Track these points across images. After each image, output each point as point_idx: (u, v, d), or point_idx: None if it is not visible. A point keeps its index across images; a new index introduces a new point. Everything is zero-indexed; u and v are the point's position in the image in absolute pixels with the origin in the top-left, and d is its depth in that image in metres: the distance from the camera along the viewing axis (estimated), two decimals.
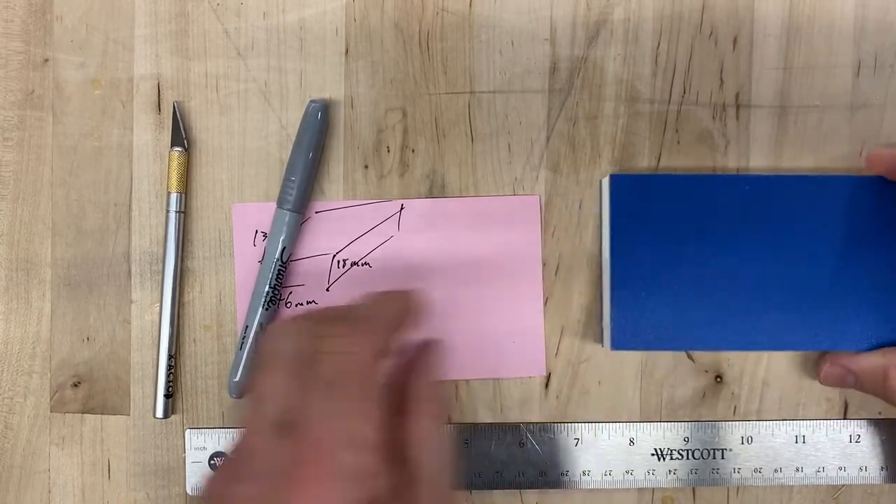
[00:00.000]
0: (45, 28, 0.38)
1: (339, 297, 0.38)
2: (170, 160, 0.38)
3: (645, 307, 0.36)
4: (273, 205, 0.38)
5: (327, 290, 0.38)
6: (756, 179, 0.36)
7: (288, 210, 0.37)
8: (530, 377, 0.39)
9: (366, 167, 0.38)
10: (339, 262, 0.38)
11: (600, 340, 0.38)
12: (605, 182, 0.37)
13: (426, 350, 0.31)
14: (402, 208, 0.38)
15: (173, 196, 0.38)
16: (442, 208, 0.38)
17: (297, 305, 0.38)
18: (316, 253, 0.38)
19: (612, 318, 0.36)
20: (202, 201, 0.39)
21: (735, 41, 0.38)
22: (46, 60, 0.38)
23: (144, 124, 0.38)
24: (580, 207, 0.39)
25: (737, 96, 0.38)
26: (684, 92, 0.38)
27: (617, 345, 0.36)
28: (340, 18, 0.38)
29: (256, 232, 0.38)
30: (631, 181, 0.36)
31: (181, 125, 0.38)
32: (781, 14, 0.38)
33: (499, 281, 0.38)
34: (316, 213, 0.38)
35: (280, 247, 0.37)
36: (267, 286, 0.37)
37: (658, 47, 0.38)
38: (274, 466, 0.25)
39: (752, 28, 0.38)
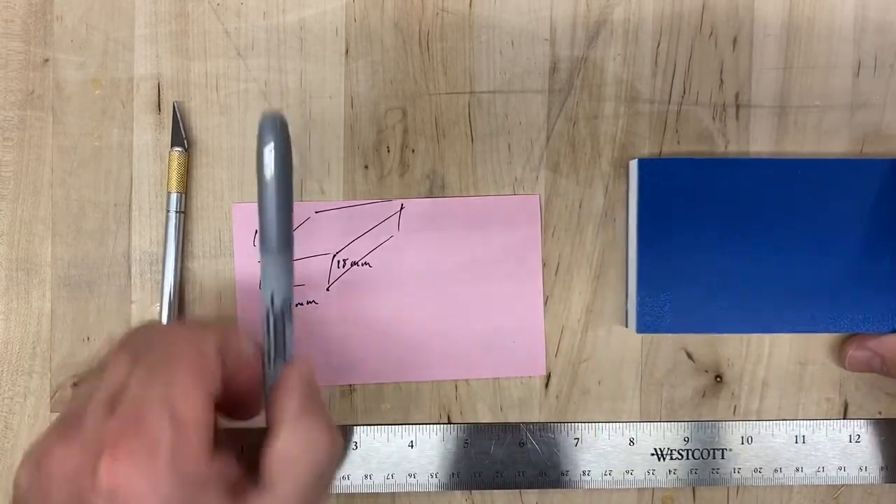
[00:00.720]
0: (45, 28, 0.38)
1: (339, 296, 0.38)
2: (170, 160, 0.38)
3: (671, 290, 0.36)
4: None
5: (327, 289, 0.38)
6: (783, 163, 0.37)
7: (271, 252, 0.31)
8: (530, 377, 0.39)
9: (366, 167, 0.38)
10: (339, 261, 0.38)
11: (624, 323, 0.39)
12: (633, 166, 0.37)
13: (295, 368, 0.31)
14: (402, 208, 0.38)
15: (173, 196, 0.38)
16: (442, 208, 0.38)
17: (297, 305, 0.38)
18: (316, 253, 0.38)
19: (638, 301, 0.37)
20: (202, 201, 0.39)
21: (735, 41, 0.38)
22: (46, 60, 0.38)
23: (144, 124, 0.38)
24: (580, 207, 0.39)
25: (737, 96, 0.38)
26: (684, 92, 0.38)
27: (642, 327, 0.37)
28: (340, 18, 0.38)
29: (256, 231, 0.38)
30: (658, 165, 0.37)
31: (181, 125, 0.38)
32: (781, 14, 0.38)
33: (499, 280, 0.38)
34: (316, 212, 0.38)
35: (268, 294, 0.31)
36: (267, 343, 0.31)
37: (658, 47, 0.38)
38: (95, 436, 0.26)
39: (752, 28, 0.38)
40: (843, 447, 0.39)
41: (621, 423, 0.39)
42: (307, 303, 0.38)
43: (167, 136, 0.38)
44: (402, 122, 0.38)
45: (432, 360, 0.38)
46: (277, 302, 0.31)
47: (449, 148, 0.38)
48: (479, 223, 0.38)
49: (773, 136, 0.38)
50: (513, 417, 0.39)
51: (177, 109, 0.38)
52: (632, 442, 0.39)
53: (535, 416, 0.39)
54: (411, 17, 0.38)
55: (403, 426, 0.39)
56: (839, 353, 0.39)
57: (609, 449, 0.39)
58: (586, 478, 0.39)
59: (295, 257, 0.37)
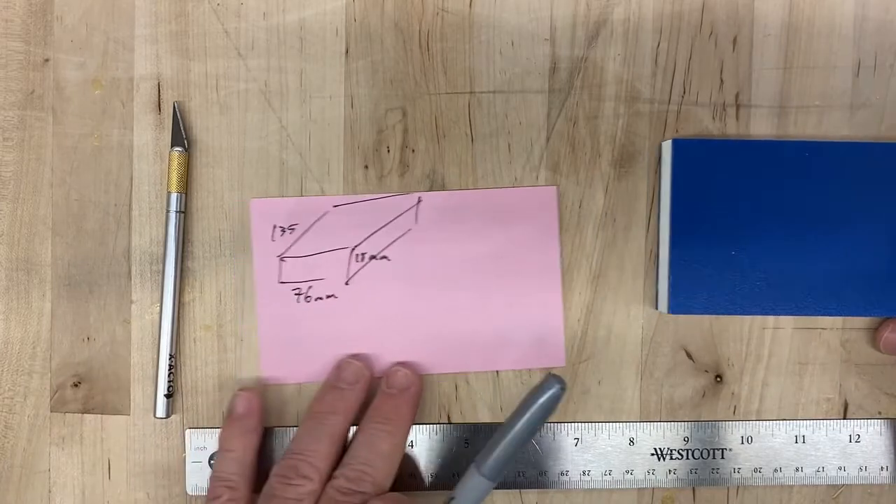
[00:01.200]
0: (46, 28, 0.38)
1: (359, 290, 0.38)
2: (170, 160, 0.38)
3: (703, 271, 0.36)
4: (291, 199, 0.38)
5: (346, 283, 0.38)
6: (817, 146, 0.36)
7: (483, 476, 0.34)
8: (530, 376, 0.39)
9: (366, 167, 0.39)
10: (357, 255, 0.38)
11: (655, 304, 0.39)
12: (667, 146, 0.37)
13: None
14: (419, 201, 0.38)
15: (173, 196, 0.38)
16: (459, 200, 0.38)
17: (316, 300, 0.38)
18: (335, 247, 0.38)
19: (671, 282, 0.36)
20: (202, 201, 0.39)
21: (735, 41, 0.38)
22: (47, 60, 0.38)
23: (144, 124, 0.38)
24: (580, 207, 0.39)
25: (737, 96, 0.38)
26: (684, 92, 0.38)
27: (674, 308, 0.37)
28: (340, 18, 0.38)
29: (275, 227, 0.38)
30: (693, 146, 0.37)
31: (181, 125, 0.38)
32: (781, 14, 0.38)
33: (517, 271, 0.38)
34: (334, 206, 0.38)
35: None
36: None
37: (658, 47, 0.38)
38: None
39: (752, 28, 0.38)
40: (843, 447, 0.39)
41: (621, 423, 0.39)
42: (326, 297, 0.38)
43: (167, 136, 0.38)
44: (402, 122, 0.38)
45: (451, 352, 0.38)
46: None
47: (449, 148, 0.38)
48: (497, 215, 0.38)
49: (773, 136, 0.38)
50: None
51: (177, 109, 0.38)
52: (632, 442, 0.39)
53: None
54: (411, 17, 0.38)
55: None
56: (874, 336, 0.39)
57: (609, 449, 0.39)
58: (586, 478, 0.39)
59: (313, 252, 0.37)
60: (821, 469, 0.39)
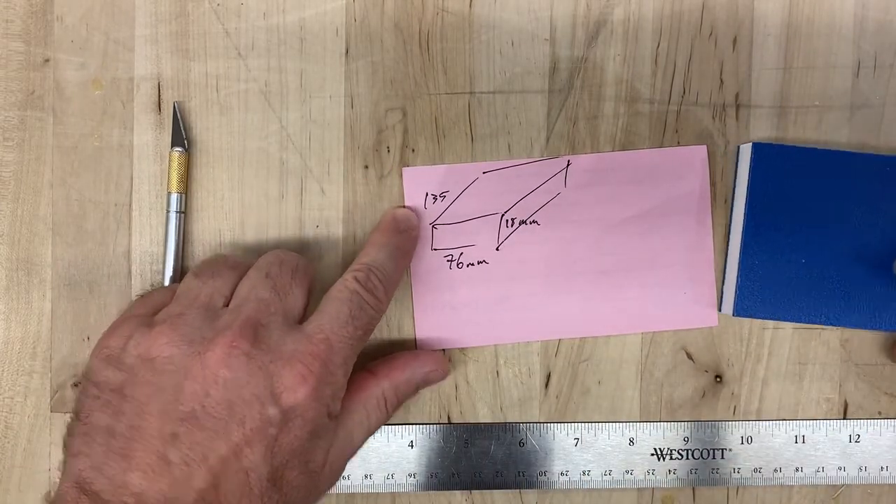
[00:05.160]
0: (46, 28, 0.38)
1: (509, 255, 0.38)
2: (170, 160, 0.38)
3: (772, 276, 0.37)
4: (441, 167, 0.38)
5: (497, 249, 0.38)
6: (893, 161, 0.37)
7: None
8: (529, 376, 0.39)
9: (366, 167, 0.39)
10: (507, 221, 0.38)
11: (719, 306, 0.39)
12: (746, 150, 0.37)
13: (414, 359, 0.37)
14: (568, 164, 0.38)
15: (173, 196, 0.38)
16: (609, 162, 0.38)
17: (468, 266, 0.38)
18: (485, 213, 0.38)
19: (739, 285, 0.37)
20: (202, 201, 0.39)
21: (735, 41, 0.38)
22: (47, 61, 0.38)
23: (145, 124, 0.38)
24: None
25: (737, 96, 0.38)
26: (684, 92, 0.38)
27: (740, 311, 0.37)
28: (340, 18, 0.38)
29: (427, 195, 0.38)
30: (774, 151, 0.37)
31: (181, 125, 0.38)
32: (781, 14, 0.38)
33: (668, 232, 0.38)
34: (483, 173, 0.38)
35: None
36: None
37: (658, 47, 0.38)
38: (203, 326, 0.32)
39: (752, 28, 0.38)
40: (843, 447, 0.39)
41: (621, 423, 0.39)
42: (478, 263, 0.38)
43: (167, 136, 0.38)
44: (402, 122, 0.38)
45: (604, 315, 0.39)
46: None
47: (449, 148, 0.38)
48: (647, 176, 0.38)
49: (772, 136, 0.38)
50: (512, 417, 0.39)
51: (177, 109, 0.38)
52: (631, 442, 0.39)
53: (534, 415, 0.39)
54: (411, 17, 0.38)
55: (403, 426, 0.39)
56: (889, 350, 0.39)
57: (609, 449, 0.39)
58: (586, 478, 0.39)
59: (464, 218, 0.38)
60: (821, 469, 0.39)
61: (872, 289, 0.37)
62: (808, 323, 0.38)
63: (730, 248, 0.38)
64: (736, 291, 0.37)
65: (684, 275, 0.39)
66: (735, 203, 0.38)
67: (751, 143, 0.37)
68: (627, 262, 0.38)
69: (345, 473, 0.38)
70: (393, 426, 0.39)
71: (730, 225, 0.38)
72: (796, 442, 0.39)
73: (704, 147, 0.38)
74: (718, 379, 0.39)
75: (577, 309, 0.39)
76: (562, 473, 0.39)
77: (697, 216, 0.39)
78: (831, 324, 0.37)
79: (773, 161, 0.37)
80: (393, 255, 0.36)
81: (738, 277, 0.37)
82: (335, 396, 0.32)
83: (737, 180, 0.38)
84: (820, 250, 0.37)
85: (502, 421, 0.39)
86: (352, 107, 0.38)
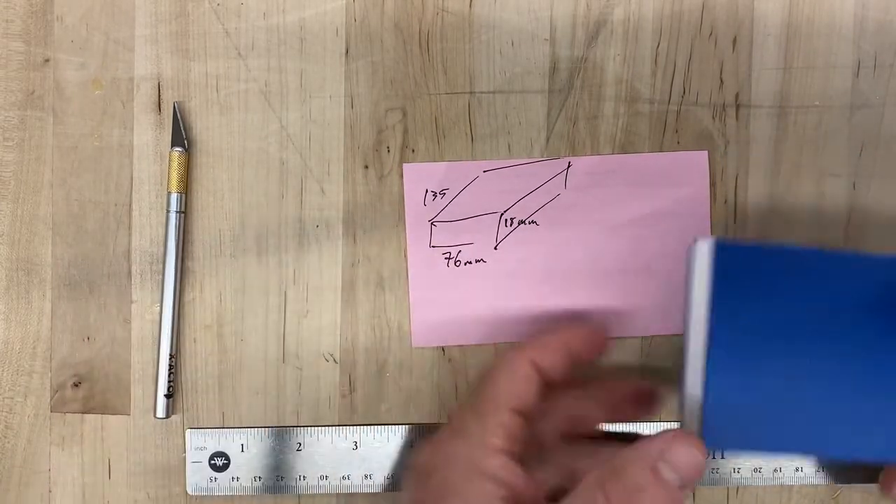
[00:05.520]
0: (46, 28, 0.38)
1: (507, 255, 0.38)
2: (170, 160, 0.38)
3: (746, 399, 0.30)
4: (442, 164, 0.38)
5: (495, 248, 0.38)
6: (882, 262, 0.31)
7: None
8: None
9: (366, 167, 0.39)
10: (506, 220, 0.38)
11: (681, 421, 0.32)
12: (704, 249, 0.31)
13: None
14: (569, 166, 0.38)
15: (173, 196, 0.38)
16: (610, 165, 0.38)
17: (465, 264, 0.38)
18: (484, 211, 0.38)
19: (707, 411, 0.30)
20: (202, 201, 0.39)
21: (735, 41, 0.38)
22: (47, 61, 0.38)
23: (145, 124, 0.38)
24: None
25: (737, 96, 0.38)
26: (684, 92, 0.38)
27: (711, 442, 0.30)
28: (340, 18, 0.38)
29: (427, 191, 0.38)
30: (740, 252, 0.31)
31: (181, 125, 0.38)
32: (781, 14, 0.38)
33: (667, 237, 0.38)
34: (484, 171, 0.38)
35: None
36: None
37: (658, 47, 0.38)
38: None
39: (752, 28, 0.38)
40: None
41: (620, 423, 0.39)
42: (476, 261, 0.38)
43: (167, 136, 0.38)
44: (402, 122, 0.38)
45: (602, 317, 0.39)
46: None
47: (449, 148, 0.38)
48: (647, 180, 0.38)
49: (772, 136, 0.38)
50: None
51: (177, 109, 0.38)
52: None
53: None
54: (411, 17, 0.38)
55: (403, 426, 0.39)
56: (884, 482, 0.35)
57: None
58: None
59: (463, 216, 0.38)
60: (821, 469, 0.39)
61: (868, 411, 0.30)
62: (790, 452, 0.33)
63: (687, 360, 0.31)
64: (705, 418, 0.30)
65: (683, 279, 0.38)
66: (692, 307, 0.31)
67: (709, 242, 0.31)
68: (626, 264, 0.38)
69: (345, 473, 0.39)
70: (393, 426, 0.39)
71: (686, 324, 0.32)
72: None
73: (705, 153, 0.38)
74: None
75: (574, 310, 0.39)
76: None
77: (697, 222, 0.38)
78: (820, 455, 0.32)
79: (739, 263, 0.30)
80: None
81: (705, 400, 0.30)
82: None
83: (692, 280, 0.31)
84: (803, 366, 0.30)
85: None
86: (352, 107, 0.38)
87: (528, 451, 0.32)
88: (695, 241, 0.32)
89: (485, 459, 0.30)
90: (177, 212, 0.38)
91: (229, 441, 0.39)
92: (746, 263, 0.31)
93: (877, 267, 0.31)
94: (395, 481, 0.39)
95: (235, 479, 0.39)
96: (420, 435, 0.39)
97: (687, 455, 0.28)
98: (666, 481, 0.28)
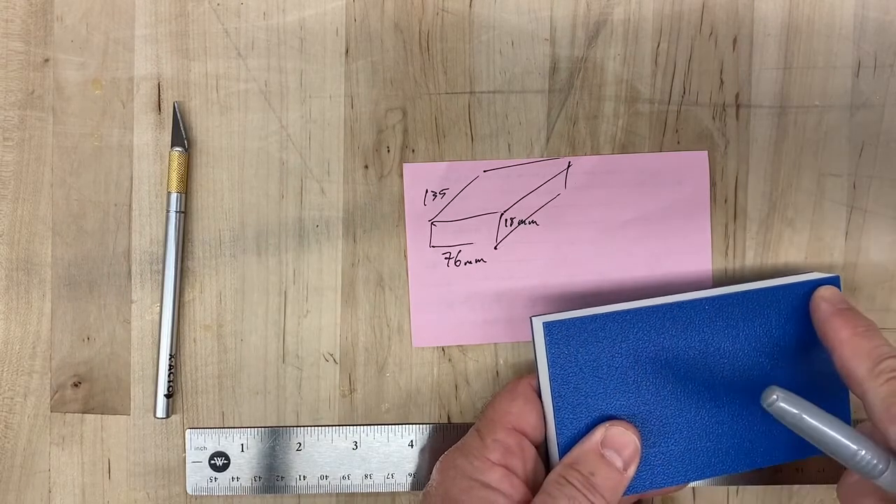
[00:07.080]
0: (46, 28, 0.38)
1: (507, 254, 0.38)
2: (170, 160, 0.38)
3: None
4: (442, 164, 0.38)
5: (495, 248, 0.38)
6: (687, 305, 0.35)
7: None
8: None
9: (366, 167, 0.39)
10: (506, 220, 0.38)
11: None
12: (539, 327, 0.34)
13: None
14: (569, 166, 0.38)
15: (173, 196, 0.38)
16: (609, 165, 0.38)
17: (465, 264, 0.38)
18: (484, 211, 0.38)
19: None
20: (202, 201, 0.39)
21: (735, 41, 0.38)
22: (47, 60, 0.38)
23: (145, 124, 0.38)
24: None
25: (737, 96, 0.38)
26: (684, 92, 0.38)
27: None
28: (340, 18, 0.38)
29: (427, 191, 0.38)
30: (565, 326, 0.34)
31: (181, 125, 0.38)
32: (781, 14, 0.38)
33: (667, 237, 0.39)
34: (484, 171, 0.38)
35: None
36: None
37: (658, 47, 0.38)
38: None
39: (752, 28, 0.38)
40: None
41: None
42: (475, 261, 0.38)
43: (167, 136, 0.38)
44: (402, 122, 0.38)
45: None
46: None
47: (449, 148, 0.38)
48: (647, 180, 0.38)
49: (772, 136, 0.38)
50: None
51: (177, 109, 0.38)
52: None
53: None
54: (411, 17, 0.38)
55: (403, 426, 0.39)
56: (839, 490, 0.35)
57: None
58: None
59: (463, 216, 0.38)
60: (821, 470, 0.39)
61: (709, 437, 0.35)
62: (699, 480, 0.36)
63: (547, 425, 0.35)
64: None
65: (681, 279, 0.39)
66: (539, 376, 0.35)
67: (542, 321, 0.34)
68: (625, 264, 0.38)
69: (345, 473, 0.39)
70: (393, 426, 0.39)
71: (543, 402, 0.35)
72: None
73: (705, 153, 0.38)
74: None
75: (572, 309, 0.38)
76: None
77: (696, 221, 0.38)
78: (681, 482, 0.35)
79: (568, 336, 0.34)
80: None
81: (560, 457, 0.34)
82: None
83: (535, 351, 0.35)
84: (645, 415, 0.34)
85: None
86: (352, 107, 0.38)
87: (539, 471, 0.35)
88: (531, 320, 0.35)
89: (484, 472, 0.33)
90: (177, 212, 0.38)
91: (229, 441, 0.39)
92: (573, 334, 0.34)
93: (679, 309, 0.35)
94: (396, 481, 0.39)
95: (235, 479, 0.39)
96: (420, 435, 0.39)
97: (621, 435, 0.33)
98: (611, 462, 0.33)
